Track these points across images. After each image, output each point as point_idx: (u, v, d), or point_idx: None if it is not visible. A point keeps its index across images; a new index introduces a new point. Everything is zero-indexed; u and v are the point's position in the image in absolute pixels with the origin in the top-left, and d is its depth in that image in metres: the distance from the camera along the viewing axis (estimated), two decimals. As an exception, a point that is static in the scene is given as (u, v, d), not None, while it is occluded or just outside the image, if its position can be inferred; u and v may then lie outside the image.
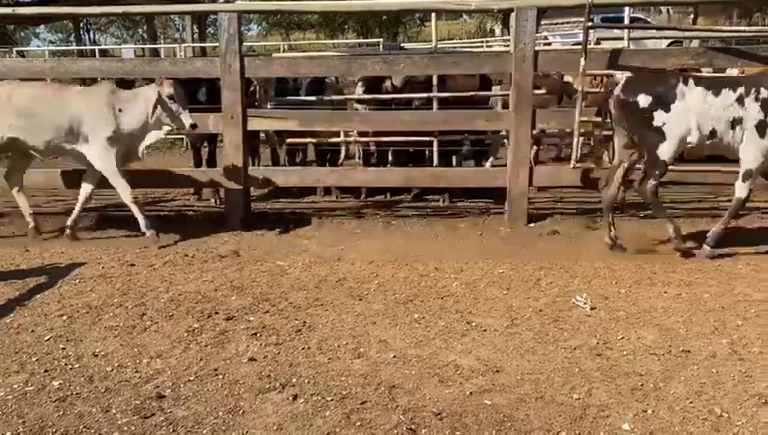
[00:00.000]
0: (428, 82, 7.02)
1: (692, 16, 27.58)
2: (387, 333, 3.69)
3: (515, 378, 3.18)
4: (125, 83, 7.62)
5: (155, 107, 5.40)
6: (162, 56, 19.11)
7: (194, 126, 5.51)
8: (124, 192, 5.58)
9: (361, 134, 7.17)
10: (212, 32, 26.81)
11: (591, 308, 4.01)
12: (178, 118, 5.45)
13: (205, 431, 2.78)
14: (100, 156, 5.52)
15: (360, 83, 7.09)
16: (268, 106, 6.96)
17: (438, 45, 8.71)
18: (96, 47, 23.92)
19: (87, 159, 5.59)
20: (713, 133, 4.85)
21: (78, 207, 5.75)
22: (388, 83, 7.11)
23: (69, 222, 5.73)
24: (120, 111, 5.50)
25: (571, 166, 6.11)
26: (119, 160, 5.57)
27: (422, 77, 6.97)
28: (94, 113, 5.47)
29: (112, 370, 3.30)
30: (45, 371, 3.29)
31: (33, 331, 3.76)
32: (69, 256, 5.20)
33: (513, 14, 5.90)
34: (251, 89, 7.46)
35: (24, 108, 5.46)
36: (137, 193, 7.27)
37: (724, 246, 5.09)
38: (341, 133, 7.30)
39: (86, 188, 5.77)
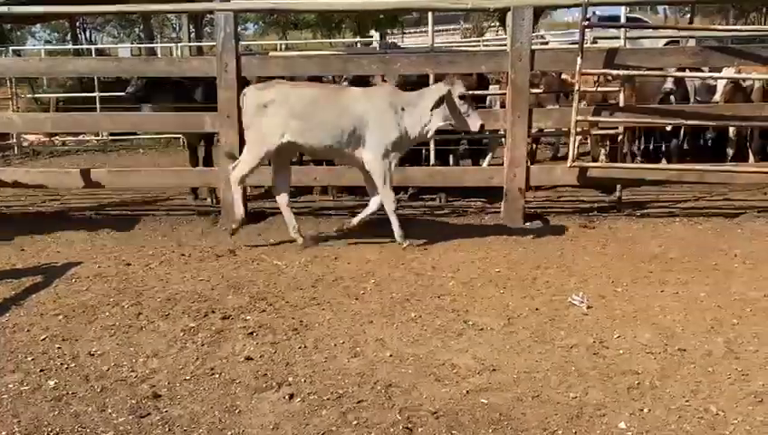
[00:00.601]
0: (422, 82, 7.00)
1: (688, 16, 27.62)
2: (383, 333, 3.69)
3: (512, 377, 3.18)
4: (121, 82, 7.62)
5: (440, 106, 5.06)
6: (159, 55, 19.10)
7: (482, 127, 5.20)
8: (388, 201, 5.28)
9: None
10: (209, 31, 26.78)
11: (588, 307, 4.00)
12: (466, 120, 5.13)
13: (201, 431, 2.77)
14: (376, 160, 5.21)
15: (344, 83, 7.07)
16: None
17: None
18: (92, 46, 23.90)
19: (362, 163, 5.29)
20: None
21: (366, 214, 5.44)
22: (377, 80, 7.09)
23: (355, 221, 5.44)
24: (402, 109, 5.20)
25: (568, 165, 6.12)
26: (395, 166, 5.31)
27: (415, 76, 6.96)
28: (377, 116, 5.18)
29: (108, 369, 3.29)
30: (41, 370, 3.28)
31: (28, 330, 3.75)
32: (65, 256, 5.18)
33: (509, 13, 5.90)
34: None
35: (303, 110, 5.20)
36: (134, 193, 7.37)
37: None
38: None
39: (375, 198, 5.40)
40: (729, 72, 6.93)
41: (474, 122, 5.13)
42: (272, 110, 5.23)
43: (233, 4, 6.59)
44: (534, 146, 8.55)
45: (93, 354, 3.44)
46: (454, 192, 7.15)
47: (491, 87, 8.03)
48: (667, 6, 28.28)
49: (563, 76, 8.20)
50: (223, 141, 6.22)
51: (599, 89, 7.33)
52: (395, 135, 5.20)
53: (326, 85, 5.85)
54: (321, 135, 5.23)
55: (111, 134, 12.23)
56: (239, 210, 5.47)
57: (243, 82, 6.32)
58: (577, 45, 5.80)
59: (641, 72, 6.32)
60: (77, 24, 30.62)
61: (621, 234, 5.68)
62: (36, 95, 14.52)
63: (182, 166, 7.69)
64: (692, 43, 11.43)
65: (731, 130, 7.78)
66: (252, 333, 3.67)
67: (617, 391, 3.03)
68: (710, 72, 6.82)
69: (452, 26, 28.32)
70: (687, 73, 7.03)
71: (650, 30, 15.75)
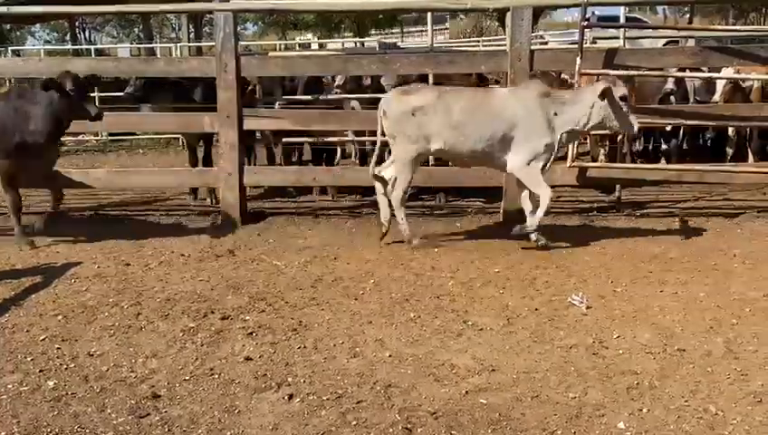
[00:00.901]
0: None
1: (688, 16, 27.65)
2: (382, 333, 3.69)
3: (511, 377, 3.18)
4: (120, 82, 7.62)
5: (603, 100, 4.85)
6: (158, 55, 19.09)
7: (639, 129, 5.15)
8: (544, 200, 5.05)
9: (358, 133, 7.16)
10: (208, 31, 26.77)
11: (587, 307, 4.01)
12: (628, 121, 4.96)
13: (200, 431, 2.78)
14: (523, 168, 5.04)
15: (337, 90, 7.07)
16: (276, 106, 6.99)
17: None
18: (92, 46, 23.88)
19: (507, 167, 5.13)
20: None
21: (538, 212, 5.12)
22: (368, 82, 7.10)
23: (530, 230, 5.15)
24: (555, 114, 4.99)
25: (568, 165, 6.11)
26: (545, 167, 5.13)
27: (414, 76, 6.96)
28: (526, 119, 4.97)
29: (108, 369, 3.29)
30: (40, 371, 3.28)
31: (28, 331, 3.75)
32: (64, 256, 5.18)
33: (508, 14, 5.90)
34: (248, 88, 7.46)
35: (454, 115, 5.01)
36: (134, 193, 7.37)
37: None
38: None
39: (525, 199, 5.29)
40: (728, 72, 6.93)
41: (634, 123, 5.01)
42: (421, 117, 5.02)
43: (232, 5, 6.59)
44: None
45: (93, 355, 3.45)
46: (453, 192, 7.14)
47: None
48: (666, 6, 28.30)
49: (563, 76, 8.19)
50: (222, 141, 6.23)
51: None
52: (543, 140, 5.00)
53: (471, 88, 5.70)
54: (470, 141, 5.03)
55: (110, 134, 12.21)
56: (407, 228, 5.27)
57: (242, 83, 6.34)
58: (576, 45, 5.80)
59: (641, 72, 6.32)
60: (76, 24, 30.64)
61: (621, 234, 5.68)
62: (35, 95, 14.49)
63: (182, 166, 7.69)
64: (691, 43, 11.43)
65: (730, 130, 7.78)
66: (251, 334, 3.68)
67: (616, 392, 3.03)
68: (709, 72, 6.82)
69: (441, 26, 28.47)
70: (687, 73, 7.03)
71: (650, 30, 15.74)
